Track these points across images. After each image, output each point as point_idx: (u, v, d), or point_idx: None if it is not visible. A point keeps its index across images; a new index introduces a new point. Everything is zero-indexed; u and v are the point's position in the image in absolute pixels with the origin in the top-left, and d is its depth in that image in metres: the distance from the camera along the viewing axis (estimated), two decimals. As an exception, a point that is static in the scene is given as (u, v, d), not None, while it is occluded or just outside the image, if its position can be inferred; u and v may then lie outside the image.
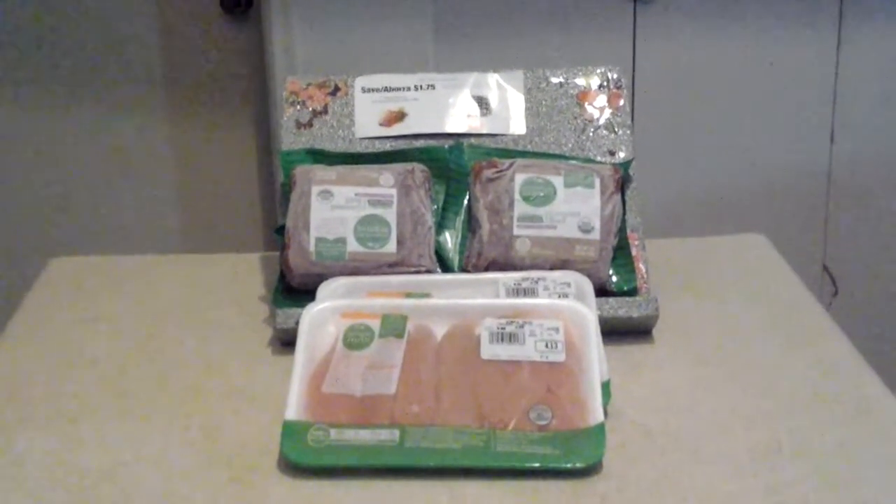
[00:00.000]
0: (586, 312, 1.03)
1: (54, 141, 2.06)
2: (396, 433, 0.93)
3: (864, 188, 2.07)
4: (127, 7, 1.99)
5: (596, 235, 1.15)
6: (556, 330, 1.01)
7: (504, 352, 1.00)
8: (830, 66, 1.99)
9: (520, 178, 1.17)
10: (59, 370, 1.10)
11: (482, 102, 1.27)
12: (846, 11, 1.95)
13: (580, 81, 1.28)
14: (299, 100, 1.27)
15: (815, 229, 2.08)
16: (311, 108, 1.26)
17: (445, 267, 1.18)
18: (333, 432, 0.93)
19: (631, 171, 1.22)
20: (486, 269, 1.15)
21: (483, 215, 1.17)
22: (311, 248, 1.14)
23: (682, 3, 1.94)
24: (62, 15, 1.99)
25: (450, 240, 1.20)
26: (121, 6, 1.99)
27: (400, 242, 1.15)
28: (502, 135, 1.25)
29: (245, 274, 1.29)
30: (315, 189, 1.16)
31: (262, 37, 1.92)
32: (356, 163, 1.22)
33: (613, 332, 1.11)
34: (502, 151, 1.23)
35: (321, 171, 1.18)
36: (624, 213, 1.19)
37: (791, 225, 2.05)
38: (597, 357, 0.99)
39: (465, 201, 1.21)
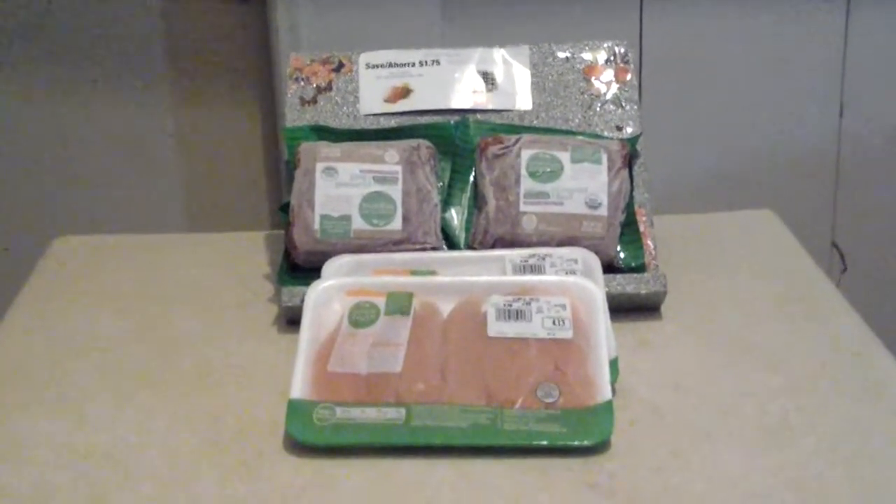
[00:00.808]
0: (594, 289, 1.02)
1: (57, 120, 2.05)
2: (402, 411, 0.92)
3: (873, 164, 2.06)
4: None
5: (603, 211, 1.14)
6: (564, 307, 1.00)
7: (511, 329, 0.99)
8: (839, 42, 1.97)
9: (526, 154, 1.16)
10: (63, 349, 1.10)
11: (488, 78, 1.25)
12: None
13: (587, 56, 1.26)
14: (303, 76, 1.26)
15: (823, 205, 2.07)
16: (315, 85, 1.25)
17: (451, 244, 1.17)
18: (339, 411, 0.93)
19: (638, 147, 1.21)
20: (493, 245, 1.15)
21: (489, 192, 1.16)
22: (316, 225, 1.13)
23: (689, -23, 1.92)
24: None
25: (456, 217, 1.19)
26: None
27: (405, 220, 1.14)
28: (508, 110, 1.24)
29: (250, 252, 1.28)
30: (320, 166, 1.15)
31: (267, 15, 1.91)
32: (361, 140, 1.21)
33: (621, 308, 1.10)
34: (508, 127, 1.22)
35: (326, 147, 1.17)
36: (632, 189, 1.18)
37: (800, 201, 2.04)
38: (604, 334, 0.98)
39: (471, 178, 1.20)
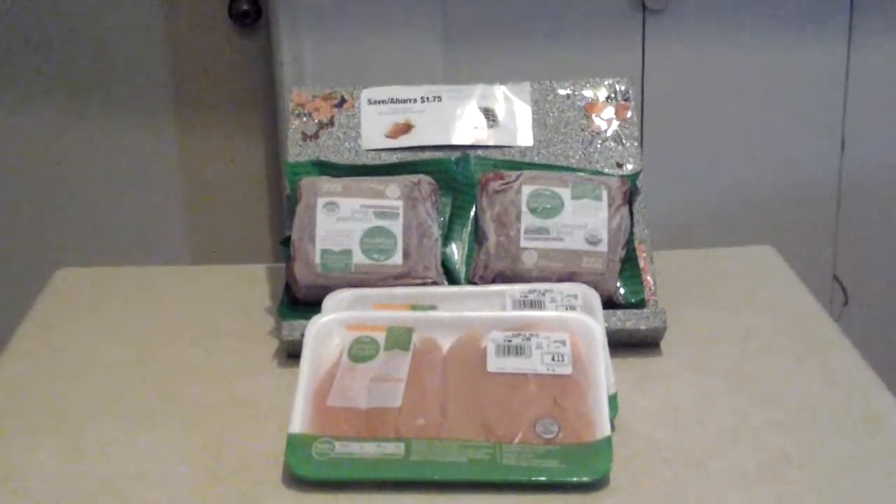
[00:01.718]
0: (593, 325, 1.02)
1: (61, 151, 2.06)
2: (402, 446, 0.92)
3: (874, 197, 2.06)
4: (135, 17, 1.99)
5: (603, 247, 1.14)
6: (563, 342, 1.00)
7: (510, 364, 0.99)
8: (841, 75, 1.98)
9: (527, 190, 1.16)
10: (64, 380, 1.10)
11: (489, 114, 1.26)
12: (856, 19, 1.95)
13: (587, 93, 1.27)
14: (305, 111, 1.26)
15: (825, 238, 2.08)
16: (317, 120, 1.26)
17: (452, 279, 1.18)
18: (338, 445, 0.93)
19: (639, 184, 1.22)
20: (493, 281, 1.15)
21: (490, 227, 1.16)
22: (317, 259, 1.14)
23: (691, 12, 1.93)
24: (70, 25, 1.99)
25: (456, 252, 1.19)
26: (129, 17, 1.99)
27: (406, 254, 1.14)
28: (509, 146, 1.25)
29: (251, 285, 1.28)
30: (321, 201, 1.16)
31: (271, 48, 1.92)
32: (362, 175, 1.21)
33: (621, 344, 1.10)
34: (509, 163, 1.23)
35: (327, 182, 1.18)
36: (632, 225, 1.18)
37: (801, 234, 2.05)
38: (604, 370, 0.98)
39: (472, 213, 1.21)
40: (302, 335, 1.05)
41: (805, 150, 2.03)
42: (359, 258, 1.14)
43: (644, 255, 1.19)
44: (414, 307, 1.09)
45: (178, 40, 2.01)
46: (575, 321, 1.03)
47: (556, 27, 1.92)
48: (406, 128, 1.25)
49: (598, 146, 1.25)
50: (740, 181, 2.03)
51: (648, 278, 1.18)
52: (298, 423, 0.95)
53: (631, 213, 1.18)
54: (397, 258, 1.14)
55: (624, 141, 1.25)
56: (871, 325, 2.06)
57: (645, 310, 1.13)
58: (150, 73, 2.02)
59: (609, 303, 1.13)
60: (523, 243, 1.15)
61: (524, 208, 1.16)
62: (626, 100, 1.27)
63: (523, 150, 1.25)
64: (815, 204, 2.06)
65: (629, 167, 1.23)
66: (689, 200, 2.03)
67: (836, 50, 1.97)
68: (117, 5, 1.99)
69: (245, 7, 1.98)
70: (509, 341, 1.01)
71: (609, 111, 1.26)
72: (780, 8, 1.94)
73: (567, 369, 0.98)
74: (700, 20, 1.94)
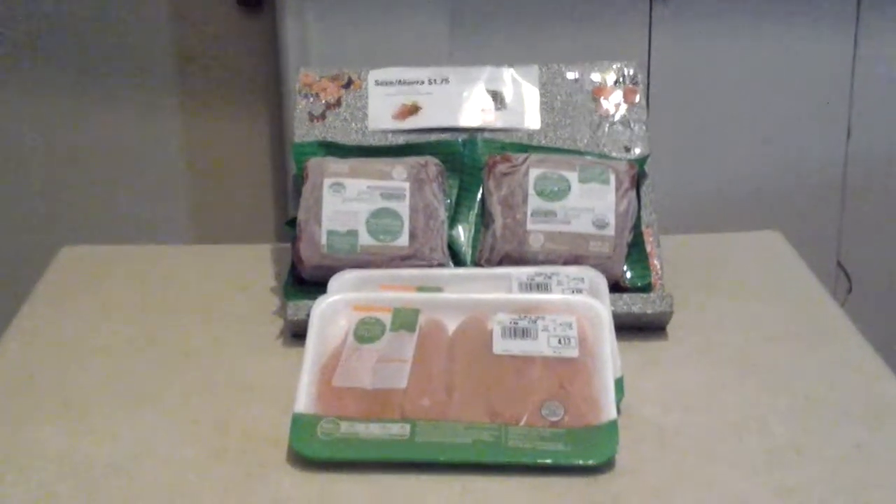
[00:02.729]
0: (600, 308, 1.02)
1: (67, 133, 2.06)
2: (407, 427, 0.92)
3: (879, 184, 2.06)
4: (140, 1, 1.98)
5: (610, 231, 1.14)
6: (570, 325, 1.00)
7: (516, 347, 0.99)
8: (847, 62, 1.97)
9: (534, 173, 1.16)
10: (69, 360, 1.10)
11: (497, 97, 1.26)
12: (864, 7, 1.94)
13: (596, 77, 1.27)
14: (312, 92, 1.26)
15: (829, 225, 2.07)
16: (324, 101, 1.26)
17: (458, 261, 1.18)
18: (343, 426, 0.93)
19: (646, 168, 1.21)
20: (499, 263, 1.15)
21: (496, 210, 1.16)
22: (323, 240, 1.13)
23: (697, -1, 1.93)
24: (75, 9, 1.99)
25: (463, 234, 1.19)
26: (134, 0, 1.99)
27: (412, 236, 1.14)
28: (517, 129, 1.24)
29: (256, 265, 1.28)
30: (327, 181, 1.15)
31: (276, 30, 1.91)
32: (369, 156, 1.21)
33: (627, 328, 1.10)
34: (516, 146, 1.22)
35: (334, 163, 1.17)
36: (639, 209, 1.18)
37: (805, 221, 2.04)
38: (610, 353, 0.98)
39: (479, 195, 1.20)
40: (307, 315, 1.04)
41: (811, 138, 2.02)
42: (365, 239, 1.13)
43: (651, 239, 1.19)
44: (420, 289, 1.09)
45: (184, 22, 2.00)
46: (581, 304, 1.03)
47: (563, 12, 1.91)
48: (413, 109, 1.25)
49: (606, 129, 1.24)
50: (745, 167, 2.03)
51: (655, 262, 1.17)
52: (303, 403, 0.95)
53: (638, 197, 1.18)
54: (403, 239, 1.14)
55: (632, 125, 1.24)
56: (874, 312, 2.06)
57: (651, 294, 1.13)
58: (155, 55, 2.02)
59: (616, 286, 1.13)
60: (530, 226, 1.14)
61: (531, 191, 1.15)
62: (635, 84, 1.26)
63: (531, 133, 1.24)
64: (820, 191, 2.05)
65: (637, 151, 1.23)
66: (692, 186, 2.02)
67: (844, 38, 1.96)
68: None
69: (250, -11, 1.97)
70: (515, 324, 1.01)
71: (617, 95, 1.26)
72: (788, -6, 1.93)
73: (573, 352, 0.98)
74: (706, 7, 1.93)
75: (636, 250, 1.16)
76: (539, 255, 1.14)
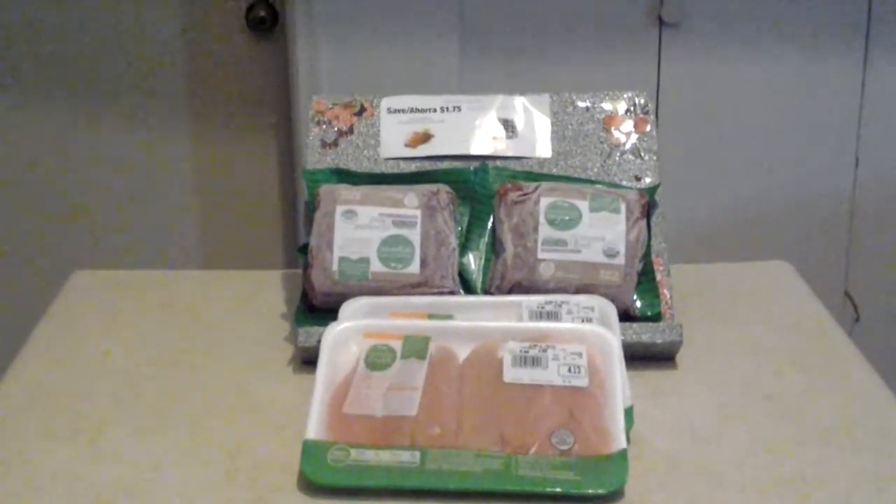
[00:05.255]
0: (610, 337, 1.02)
1: (78, 155, 2.07)
2: (417, 455, 0.93)
3: (887, 213, 2.06)
4: (152, 24, 2.00)
5: (621, 260, 1.14)
6: (580, 354, 1.00)
7: (526, 375, 0.99)
8: (856, 90, 1.98)
9: (545, 202, 1.17)
10: (80, 384, 1.10)
11: (508, 125, 1.26)
12: (873, 34, 1.95)
13: (607, 106, 1.27)
14: (325, 119, 1.27)
15: (837, 255, 2.08)
16: (336, 128, 1.26)
17: (469, 289, 1.18)
18: (354, 452, 0.93)
19: (657, 197, 1.22)
20: (510, 291, 1.15)
21: (507, 238, 1.17)
22: (334, 267, 1.14)
23: (706, 26, 1.93)
24: (87, 32, 2.00)
25: (473, 262, 1.19)
26: (145, 23, 2.00)
27: (423, 263, 1.14)
28: (528, 158, 1.25)
29: (267, 291, 1.29)
30: (339, 209, 1.16)
31: (287, 55, 1.93)
32: (381, 183, 1.22)
33: (637, 357, 1.10)
34: (528, 174, 1.23)
35: (346, 190, 1.18)
36: (649, 239, 1.18)
37: (813, 250, 2.05)
38: (620, 382, 0.98)
39: (490, 223, 1.21)
40: (318, 342, 1.05)
41: (819, 166, 2.03)
42: (376, 266, 1.14)
43: (661, 268, 1.19)
44: (431, 316, 1.09)
45: (195, 46, 2.02)
46: (591, 333, 1.03)
47: (573, 40, 1.92)
48: (425, 137, 1.25)
49: (617, 159, 1.25)
50: (754, 195, 2.03)
51: (665, 291, 1.18)
52: (314, 429, 0.95)
53: (648, 226, 1.18)
54: (415, 267, 1.14)
55: (643, 154, 1.25)
56: (881, 342, 2.06)
57: (661, 323, 1.14)
58: (167, 78, 2.03)
59: (625, 315, 1.13)
60: (541, 254, 1.15)
61: (542, 219, 1.16)
62: (646, 113, 1.27)
63: (542, 162, 1.25)
64: (828, 220, 2.06)
65: (647, 180, 1.23)
66: (701, 214, 2.03)
67: (852, 65, 1.97)
68: (135, 11, 1.99)
69: (262, 14, 1.99)
70: (526, 352, 1.01)
71: (628, 124, 1.26)
72: (797, 23, 1.94)
73: (583, 381, 0.98)
74: (716, 34, 1.94)
75: (646, 279, 1.17)
76: (549, 284, 1.14)
